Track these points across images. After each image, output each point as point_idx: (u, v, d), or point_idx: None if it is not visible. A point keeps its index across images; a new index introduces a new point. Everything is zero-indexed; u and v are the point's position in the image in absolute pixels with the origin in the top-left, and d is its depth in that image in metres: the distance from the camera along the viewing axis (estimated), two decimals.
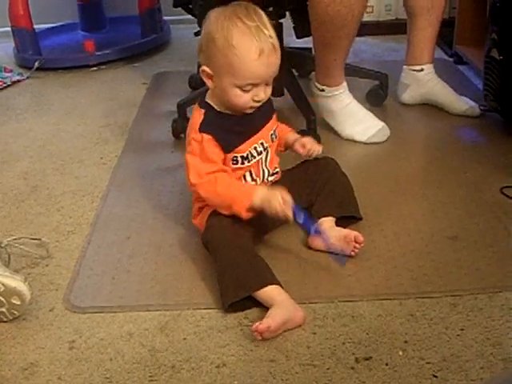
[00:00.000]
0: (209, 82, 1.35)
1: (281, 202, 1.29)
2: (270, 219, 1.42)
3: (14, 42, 2.88)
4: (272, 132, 1.44)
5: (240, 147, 1.37)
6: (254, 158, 1.40)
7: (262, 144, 1.41)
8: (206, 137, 1.34)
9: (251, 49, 1.27)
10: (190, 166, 1.36)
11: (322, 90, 1.96)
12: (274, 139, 1.45)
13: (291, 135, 1.51)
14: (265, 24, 1.29)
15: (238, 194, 1.33)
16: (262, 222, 1.41)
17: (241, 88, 1.31)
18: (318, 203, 1.47)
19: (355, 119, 1.95)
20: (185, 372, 1.14)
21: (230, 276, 1.27)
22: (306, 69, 2.29)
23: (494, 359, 1.12)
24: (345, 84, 1.96)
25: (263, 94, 1.33)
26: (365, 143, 1.93)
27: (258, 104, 1.34)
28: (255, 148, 1.40)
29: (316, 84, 1.97)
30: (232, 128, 1.37)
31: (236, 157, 1.38)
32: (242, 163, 1.38)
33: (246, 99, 1.32)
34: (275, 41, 1.30)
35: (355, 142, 1.94)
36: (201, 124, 1.35)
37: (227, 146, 1.36)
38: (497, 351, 1.14)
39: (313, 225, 1.37)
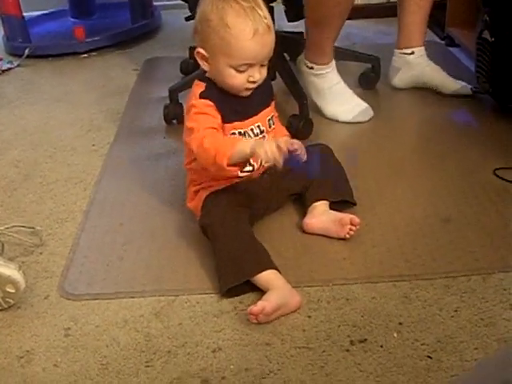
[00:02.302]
0: (204, 64, 1.36)
1: (274, 147, 1.24)
2: (267, 201, 1.43)
3: (3, 29, 2.87)
4: (269, 118, 1.44)
5: (237, 123, 1.37)
6: (250, 138, 1.39)
7: (258, 127, 1.41)
8: (207, 102, 1.34)
9: (245, 29, 1.28)
10: (188, 129, 1.34)
11: (311, 68, 1.97)
12: (272, 125, 1.45)
13: (286, 139, 1.50)
14: (259, 5, 1.30)
15: (222, 143, 1.30)
16: (257, 206, 1.42)
17: (235, 68, 1.31)
18: (312, 188, 1.47)
19: (341, 99, 1.97)
20: (180, 357, 1.14)
21: (229, 260, 1.27)
22: (298, 53, 2.28)
23: (488, 340, 1.13)
24: (333, 63, 1.97)
25: (258, 74, 1.33)
26: (349, 123, 1.94)
27: (254, 85, 1.35)
28: (252, 129, 1.40)
29: (305, 61, 1.98)
30: (231, 104, 1.36)
31: (234, 133, 1.37)
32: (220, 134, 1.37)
33: (241, 80, 1.33)
34: (270, 21, 1.31)
35: (339, 122, 1.95)
36: (202, 92, 1.35)
37: (226, 116, 1.35)
38: (491, 332, 1.14)
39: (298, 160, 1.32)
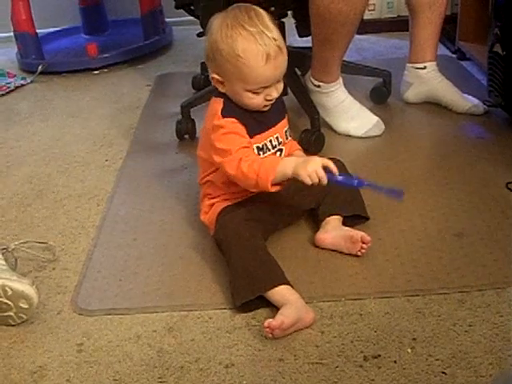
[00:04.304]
0: (220, 87, 1.37)
1: (318, 168, 1.26)
2: (280, 216, 1.44)
3: (16, 46, 2.89)
4: (286, 129, 1.46)
5: (259, 135, 1.38)
6: (269, 150, 1.40)
7: (277, 138, 1.42)
8: (231, 119, 1.34)
9: (258, 55, 1.28)
10: (217, 149, 1.34)
11: (318, 86, 1.96)
12: (289, 137, 1.47)
13: (298, 153, 1.51)
14: (267, 26, 1.29)
15: (261, 166, 1.30)
16: (271, 221, 1.42)
17: (253, 92, 1.33)
18: (325, 203, 1.47)
19: (350, 114, 1.96)
20: (193, 373, 1.14)
21: (243, 275, 1.27)
22: (309, 68, 2.28)
23: (503, 355, 1.12)
24: (340, 80, 1.96)
25: (275, 92, 1.35)
26: (361, 138, 1.94)
27: (272, 102, 1.36)
28: (270, 141, 1.41)
29: (312, 80, 1.98)
30: (251, 117, 1.37)
31: (252, 148, 1.38)
32: (258, 154, 1.39)
33: (259, 100, 1.34)
34: (280, 42, 1.31)
35: (351, 137, 1.95)
36: (222, 110, 1.36)
37: (251, 129, 1.36)
38: (506, 347, 1.13)
39: (354, 178, 1.33)
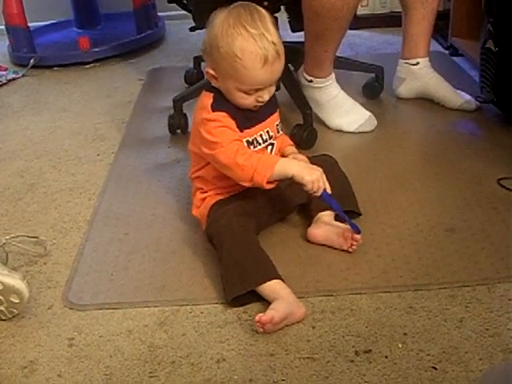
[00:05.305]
0: (214, 82, 1.36)
1: (321, 178, 1.31)
2: (272, 211, 1.45)
3: (8, 40, 2.88)
4: (277, 123, 1.46)
5: (249, 130, 1.38)
6: (260, 144, 1.40)
7: (267, 132, 1.42)
8: (221, 113, 1.34)
9: (256, 58, 1.28)
10: (208, 142, 1.34)
11: (311, 81, 1.96)
12: (280, 131, 1.47)
13: (290, 148, 1.51)
14: (268, 30, 1.29)
15: (259, 162, 1.30)
16: (263, 215, 1.42)
17: (245, 92, 1.32)
18: (317, 198, 1.46)
19: (342, 110, 1.97)
20: (184, 367, 1.14)
21: (234, 269, 1.26)
22: (302, 63, 2.28)
23: (494, 350, 1.12)
24: (333, 75, 1.96)
25: (267, 95, 1.35)
26: (353, 133, 1.95)
27: (262, 103, 1.36)
28: (261, 135, 1.41)
29: (304, 75, 1.97)
30: (241, 112, 1.37)
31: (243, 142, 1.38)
32: (248, 148, 1.38)
33: (250, 101, 1.34)
34: (279, 46, 1.30)
35: (344, 132, 1.96)
36: (212, 104, 1.35)
37: (240, 123, 1.36)
38: (496, 342, 1.14)
39: (334, 200, 1.36)
